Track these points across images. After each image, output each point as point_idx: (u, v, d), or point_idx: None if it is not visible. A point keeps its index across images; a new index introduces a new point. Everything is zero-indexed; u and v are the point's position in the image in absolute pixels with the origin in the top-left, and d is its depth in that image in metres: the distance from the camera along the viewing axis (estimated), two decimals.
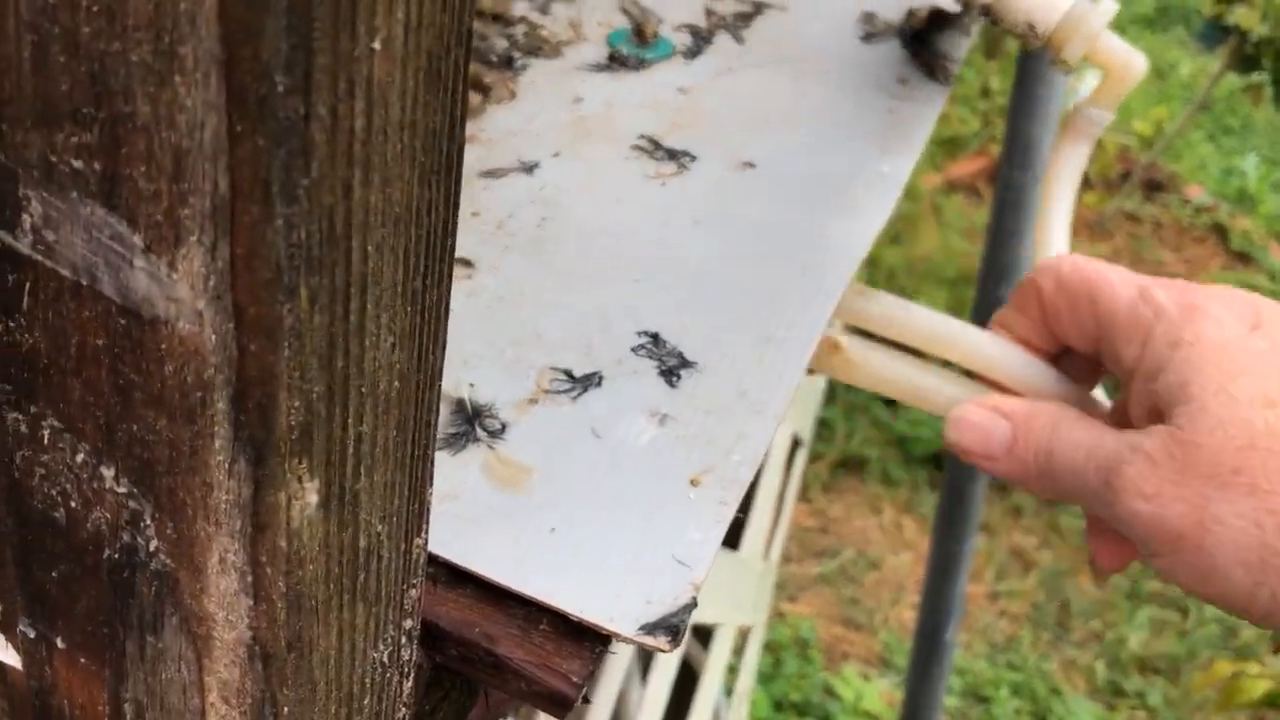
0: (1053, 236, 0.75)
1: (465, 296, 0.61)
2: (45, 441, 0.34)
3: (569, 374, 0.57)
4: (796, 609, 2.70)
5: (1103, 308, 0.56)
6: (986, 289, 1.52)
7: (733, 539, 1.72)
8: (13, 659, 0.40)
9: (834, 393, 3.01)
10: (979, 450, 0.57)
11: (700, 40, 0.83)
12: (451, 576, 0.48)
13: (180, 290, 0.29)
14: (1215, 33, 4.03)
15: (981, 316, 1.54)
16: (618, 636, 0.47)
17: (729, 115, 0.76)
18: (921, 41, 0.82)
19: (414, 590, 0.40)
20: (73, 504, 0.34)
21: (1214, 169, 4.06)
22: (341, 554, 0.35)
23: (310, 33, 0.26)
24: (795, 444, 2.18)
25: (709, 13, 0.85)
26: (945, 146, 3.89)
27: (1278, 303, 0.54)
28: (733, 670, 2.04)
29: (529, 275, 0.62)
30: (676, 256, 0.65)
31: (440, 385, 0.36)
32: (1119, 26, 0.89)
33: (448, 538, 0.49)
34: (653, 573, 0.49)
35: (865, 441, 3.05)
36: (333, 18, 0.26)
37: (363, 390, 0.32)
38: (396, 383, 0.34)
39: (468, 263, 0.62)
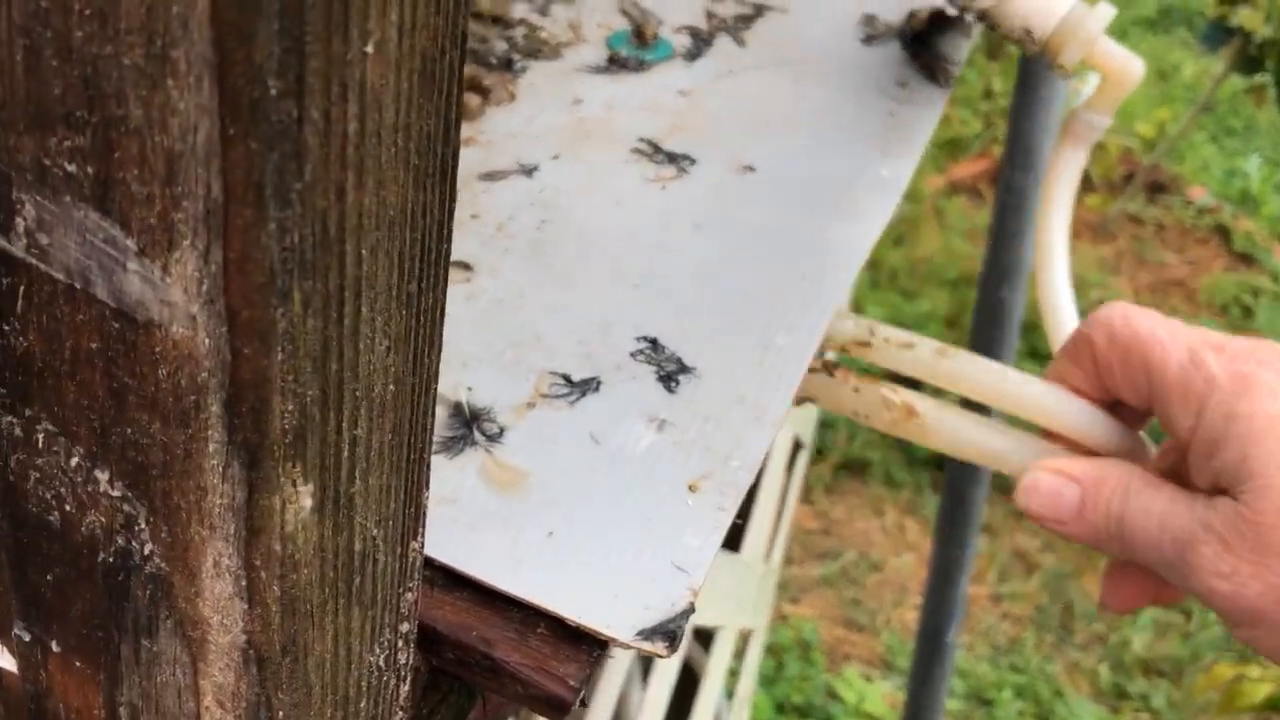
0: (1053, 238, 0.75)
1: (464, 299, 0.60)
2: (40, 445, 0.34)
3: (567, 378, 0.57)
4: (799, 611, 2.70)
5: (1154, 370, 0.55)
6: (988, 290, 1.52)
7: (734, 541, 1.72)
8: (8, 662, 0.40)
9: None
10: (1049, 516, 0.57)
11: (700, 42, 0.82)
12: (448, 580, 0.48)
13: (173, 294, 0.29)
14: (1218, 34, 4.03)
15: (983, 318, 1.54)
16: (615, 642, 0.47)
17: (729, 118, 0.76)
18: (922, 43, 0.82)
19: (410, 594, 0.40)
20: (67, 507, 0.34)
21: (1217, 170, 4.06)
22: (336, 558, 0.35)
23: (302, 36, 0.26)
24: (797, 446, 2.18)
25: (709, 15, 0.85)
26: (947, 148, 3.89)
27: None
28: (734, 673, 2.04)
29: (528, 278, 0.62)
30: (676, 260, 0.65)
31: (436, 389, 0.36)
32: (1121, 28, 0.89)
33: (445, 541, 0.49)
34: (651, 578, 0.49)
35: (867, 443, 3.05)
36: (325, 21, 0.26)
37: (357, 394, 0.32)
38: (391, 386, 0.34)
39: (466, 265, 0.62)
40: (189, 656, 0.35)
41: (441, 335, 0.36)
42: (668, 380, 0.57)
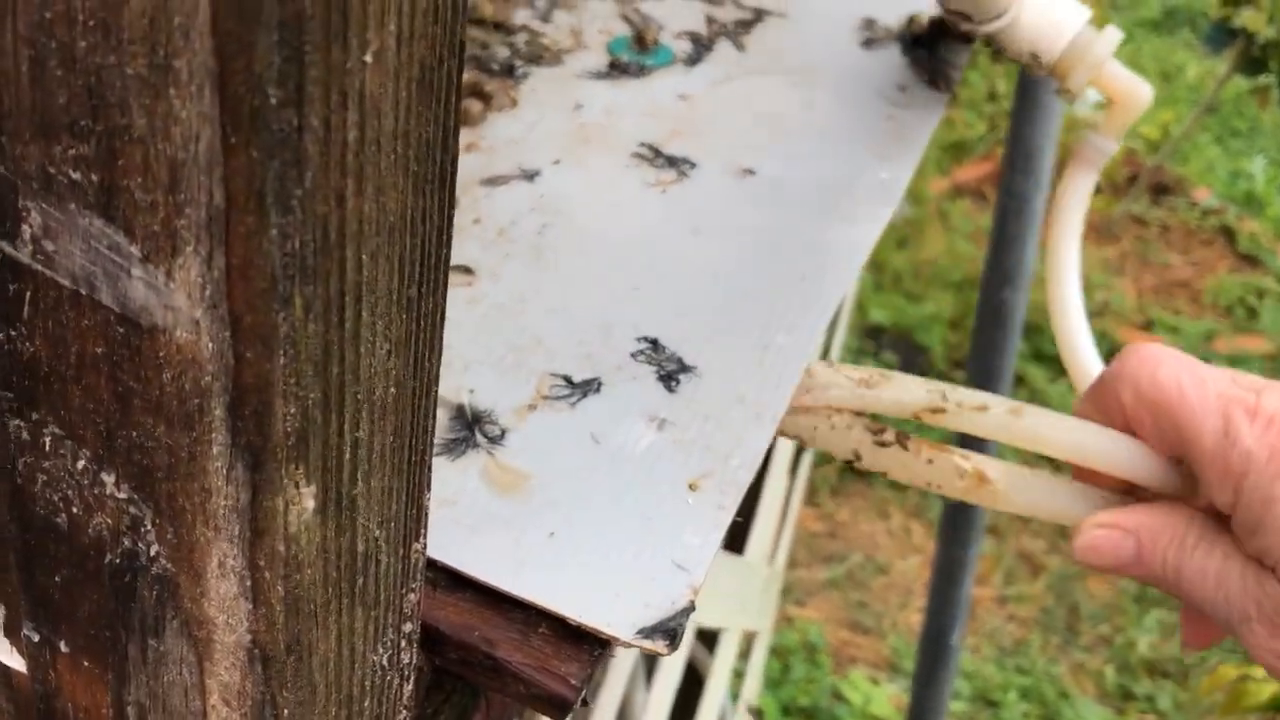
0: (1063, 259, 0.75)
1: (465, 303, 0.61)
2: (47, 448, 0.34)
3: (568, 380, 0.58)
4: (805, 614, 2.70)
5: (1188, 438, 0.55)
6: (989, 292, 1.52)
7: (738, 543, 1.72)
8: (17, 663, 0.40)
9: None
10: (1111, 568, 0.58)
11: (701, 48, 0.83)
12: (451, 581, 0.49)
13: (177, 299, 0.29)
14: (1222, 35, 4.03)
15: (985, 320, 1.55)
16: (616, 640, 0.47)
17: (729, 122, 0.76)
18: (922, 48, 0.83)
19: (413, 594, 0.40)
20: (74, 510, 0.35)
21: (1221, 171, 4.05)
22: (339, 558, 0.35)
23: (302, 46, 0.26)
24: (800, 447, 2.18)
25: (709, 20, 0.86)
26: (952, 151, 3.89)
27: None
28: (739, 675, 2.04)
29: (529, 282, 0.63)
30: (676, 263, 0.65)
31: (436, 391, 0.37)
32: (1125, 30, 0.89)
33: (447, 543, 0.49)
34: (651, 577, 0.49)
35: None
36: (324, 30, 0.26)
37: (359, 397, 0.33)
38: (393, 389, 0.34)
39: (468, 270, 0.63)
40: (195, 656, 0.36)
41: (442, 339, 0.36)
42: (668, 380, 0.58)
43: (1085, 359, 0.75)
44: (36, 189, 0.30)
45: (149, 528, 0.34)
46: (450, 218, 0.34)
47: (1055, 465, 0.59)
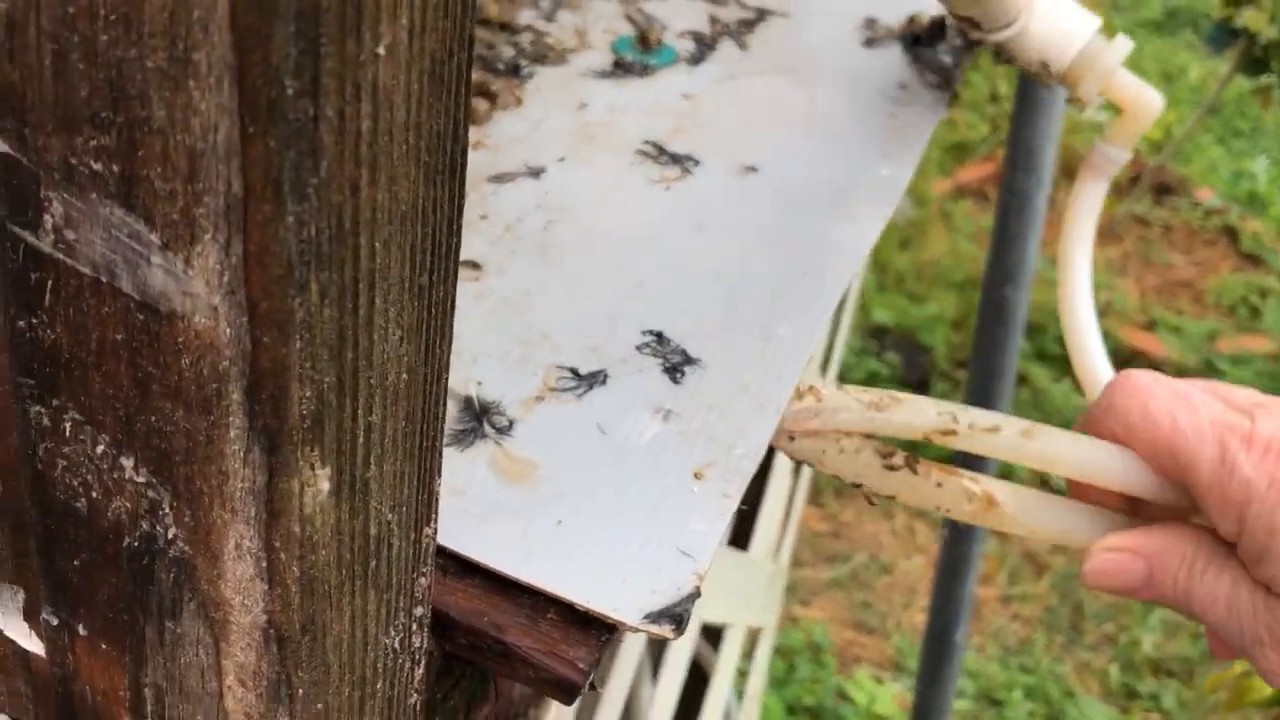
0: (1076, 265, 0.76)
1: (473, 298, 0.62)
2: (67, 434, 0.35)
3: (574, 372, 0.58)
4: (809, 613, 2.71)
5: (1186, 468, 0.55)
6: (991, 290, 1.53)
7: (742, 540, 1.73)
8: (36, 646, 0.41)
9: None
10: (1121, 591, 0.58)
11: (704, 47, 0.84)
12: (461, 568, 0.49)
13: (196, 286, 0.30)
14: (1224, 36, 4.03)
15: (986, 317, 1.55)
16: (623, 625, 0.48)
17: (732, 120, 0.77)
18: (923, 47, 0.84)
19: (424, 578, 0.41)
20: (94, 494, 0.36)
21: (1224, 172, 4.06)
22: (353, 540, 0.36)
23: (318, 38, 0.27)
24: None
25: (712, 20, 0.87)
26: (954, 151, 3.90)
27: None
28: (743, 674, 2.05)
29: (535, 277, 0.64)
30: (680, 259, 0.66)
31: (447, 378, 0.38)
32: (1127, 31, 0.89)
33: (457, 532, 0.50)
34: (657, 563, 0.50)
35: None
36: (339, 24, 0.27)
37: (372, 382, 0.34)
38: (405, 375, 0.35)
39: (476, 265, 0.64)
40: (211, 637, 0.37)
41: (452, 327, 0.37)
42: (673, 371, 0.59)
43: (1096, 367, 0.75)
44: (58, 179, 0.30)
45: (167, 511, 0.35)
46: (460, 208, 0.35)
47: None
